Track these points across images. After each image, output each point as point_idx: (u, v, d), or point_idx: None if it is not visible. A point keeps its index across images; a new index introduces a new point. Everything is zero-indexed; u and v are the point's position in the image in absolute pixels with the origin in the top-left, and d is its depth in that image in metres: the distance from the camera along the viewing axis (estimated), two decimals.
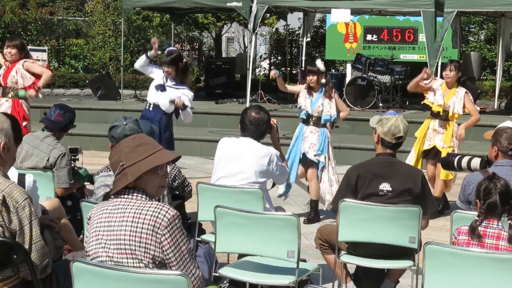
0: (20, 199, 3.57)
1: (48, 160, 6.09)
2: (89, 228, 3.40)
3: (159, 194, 3.51)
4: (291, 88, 8.97)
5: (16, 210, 3.55)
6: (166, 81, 7.86)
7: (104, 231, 3.31)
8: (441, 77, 8.99)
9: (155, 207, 3.27)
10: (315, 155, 8.06)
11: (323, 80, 8.05)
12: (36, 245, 3.60)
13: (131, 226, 3.24)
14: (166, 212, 3.25)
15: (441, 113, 8.47)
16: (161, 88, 7.86)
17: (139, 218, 3.24)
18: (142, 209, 3.27)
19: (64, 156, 6.17)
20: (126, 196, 3.35)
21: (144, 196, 3.35)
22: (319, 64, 8.06)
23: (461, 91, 8.45)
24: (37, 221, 3.63)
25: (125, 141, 3.47)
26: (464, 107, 8.43)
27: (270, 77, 9.04)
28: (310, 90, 8.14)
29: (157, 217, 3.23)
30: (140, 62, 8.16)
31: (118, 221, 3.28)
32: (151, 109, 7.92)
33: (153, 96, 7.94)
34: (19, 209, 3.56)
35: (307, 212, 8.35)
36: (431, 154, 8.61)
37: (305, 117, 8.17)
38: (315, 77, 8.02)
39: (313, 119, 8.12)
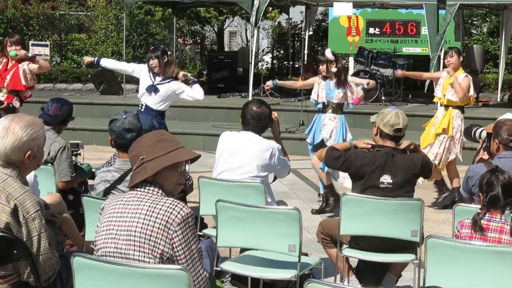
0: (32, 210, 3.54)
1: (48, 153, 6.09)
2: (101, 218, 3.40)
3: (176, 191, 3.50)
4: (301, 83, 8.99)
5: (25, 221, 3.52)
6: (155, 79, 7.81)
7: (116, 222, 3.31)
8: (444, 66, 9.03)
9: (170, 203, 3.27)
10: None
11: (333, 69, 8.06)
12: (43, 256, 3.57)
13: (144, 219, 3.24)
14: (181, 209, 3.25)
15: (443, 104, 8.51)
16: (153, 89, 7.81)
17: (152, 212, 3.25)
18: (157, 204, 3.27)
19: (65, 150, 6.16)
20: (142, 189, 3.35)
21: (160, 191, 3.35)
22: (327, 53, 8.15)
23: (461, 75, 8.40)
24: (47, 233, 3.60)
25: (147, 135, 3.48)
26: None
27: (266, 91, 8.90)
28: (325, 78, 8.17)
29: (171, 213, 3.23)
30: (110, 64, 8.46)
31: (132, 213, 3.28)
32: (142, 110, 7.78)
33: (144, 97, 7.86)
34: (28, 220, 3.53)
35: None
36: None
37: (322, 107, 8.19)
38: (324, 66, 8.09)
39: (333, 106, 8.12)
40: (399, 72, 9.85)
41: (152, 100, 7.78)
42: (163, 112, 7.97)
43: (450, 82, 8.38)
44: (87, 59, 8.48)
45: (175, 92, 7.82)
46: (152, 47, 8.23)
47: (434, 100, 8.93)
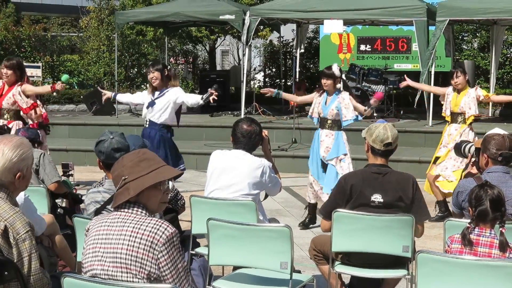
0: (22, 231, 3.53)
1: None
2: (86, 239, 3.40)
3: (160, 210, 3.50)
4: (301, 98, 9.12)
5: (16, 242, 3.52)
6: (154, 95, 8.18)
7: (102, 244, 3.30)
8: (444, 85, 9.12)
9: (154, 223, 3.26)
10: (327, 160, 8.10)
11: (338, 85, 8.07)
12: (34, 277, 3.56)
13: (129, 241, 3.24)
14: (165, 229, 3.25)
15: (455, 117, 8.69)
16: (152, 104, 8.08)
17: (137, 233, 3.24)
18: (141, 225, 3.26)
19: (45, 155, 6.52)
20: (126, 210, 3.34)
21: (144, 211, 3.34)
22: (335, 68, 8.08)
23: (472, 91, 8.73)
24: (37, 253, 3.60)
25: (128, 155, 3.46)
26: (480, 103, 8.81)
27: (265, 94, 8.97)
28: (322, 93, 8.19)
29: (155, 233, 3.23)
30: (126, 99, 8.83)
31: (116, 235, 3.28)
32: (147, 125, 8.23)
33: (147, 114, 8.23)
34: (19, 241, 3.52)
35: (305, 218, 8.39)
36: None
37: (317, 122, 8.28)
38: (329, 81, 8.04)
39: (328, 122, 8.16)
40: (403, 83, 9.63)
41: (152, 114, 8.01)
42: (169, 126, 8.26)
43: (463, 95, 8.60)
44: (106, 94, 8.73)
45: (173, 101, 8.13)
46: (152, 62, 8.51)
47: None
